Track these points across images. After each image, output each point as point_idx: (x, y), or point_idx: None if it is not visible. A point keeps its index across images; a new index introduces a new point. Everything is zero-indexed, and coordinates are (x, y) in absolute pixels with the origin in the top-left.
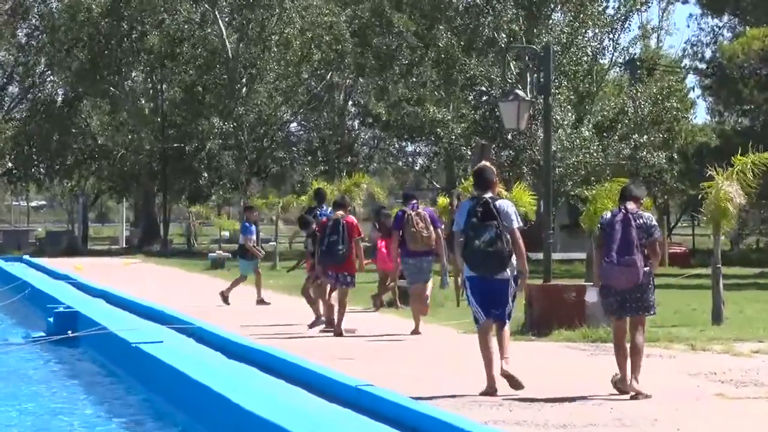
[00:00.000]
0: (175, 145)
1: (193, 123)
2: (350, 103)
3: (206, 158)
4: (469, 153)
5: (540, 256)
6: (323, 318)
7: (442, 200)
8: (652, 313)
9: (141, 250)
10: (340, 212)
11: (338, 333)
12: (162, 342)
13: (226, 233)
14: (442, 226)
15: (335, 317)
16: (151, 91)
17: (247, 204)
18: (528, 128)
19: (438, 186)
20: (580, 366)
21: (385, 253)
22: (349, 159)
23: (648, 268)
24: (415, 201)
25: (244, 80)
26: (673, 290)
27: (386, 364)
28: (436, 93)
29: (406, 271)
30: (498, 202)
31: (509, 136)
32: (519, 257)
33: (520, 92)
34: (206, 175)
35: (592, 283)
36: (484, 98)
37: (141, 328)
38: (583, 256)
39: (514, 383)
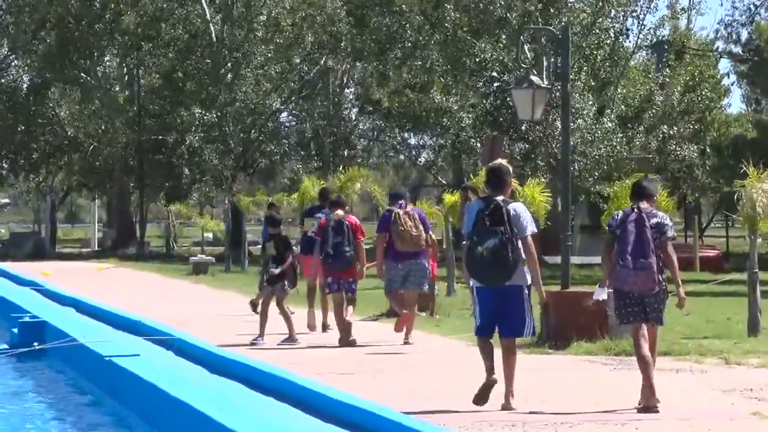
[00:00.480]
0: (152, 137)
1: (173, 113)
2: (347, 90)
3: (187, 152)
4: (479, 146)
5: (557, 260)
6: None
7: (449, 198)
8: (661, 324)
9: (115, 254)
10: (340, 212)
11: (348, 343)
12: (138, 355)
13: (209, 235)
14: (431, 232)
15: (332, 324)
16: (126, 78)
17: (270, 201)
18: (544, 118)
19: (444, 182)
20: (601, 382)
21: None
22: (345, 152)
23: (661, 274)
24: (402, 201)
25: (229, 65)
26: (705, 298)
27: (388, 378)
28: (442, 79)
29: (387, 275)
30: (510, 206)
31: (523, 127)
32: (531, 267)
33: (536, 78)
34: (187, 170)
35: (599, 284)
36: (496, 85)
37: (115, 339)
38: None
39: (482, 396)
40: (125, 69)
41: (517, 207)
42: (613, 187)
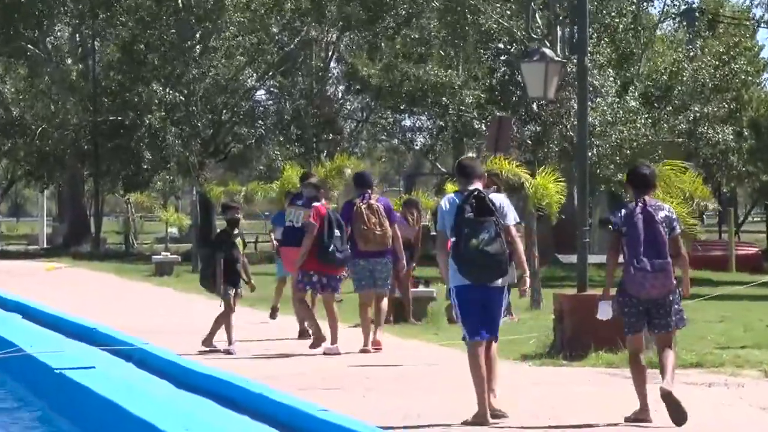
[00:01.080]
0: (109, 118)
1: (133, 90)
2: (332, 65)
3: (148, 135)
4: (484, 128)
5: (573, 259)
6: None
7: (451, 187)
8: (684, 324)
9: (67, 252)
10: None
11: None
12: (94, 368)
13: (174, 230)
14: (418, 226)
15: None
16: (79, 50)
17: (305, 172)
18: (558, 97)
19: (444, 170)
20: (623, 397)
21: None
22: (330, 136)
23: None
24: (368, 191)
25: (197, 36)
26: (743, 302)
27: (379, 394)
28: (441, 51)
29: (354, 274)
30: (492, 195)
31: (534, 107)
32: (518, 256)
33: (548, 51)
34: (148, 156)
35: (601, 296)
36: (503, 58)
37: (67, 350)
38: None
39: (498, 417)
40: (78, 40)
41: (497, 196)
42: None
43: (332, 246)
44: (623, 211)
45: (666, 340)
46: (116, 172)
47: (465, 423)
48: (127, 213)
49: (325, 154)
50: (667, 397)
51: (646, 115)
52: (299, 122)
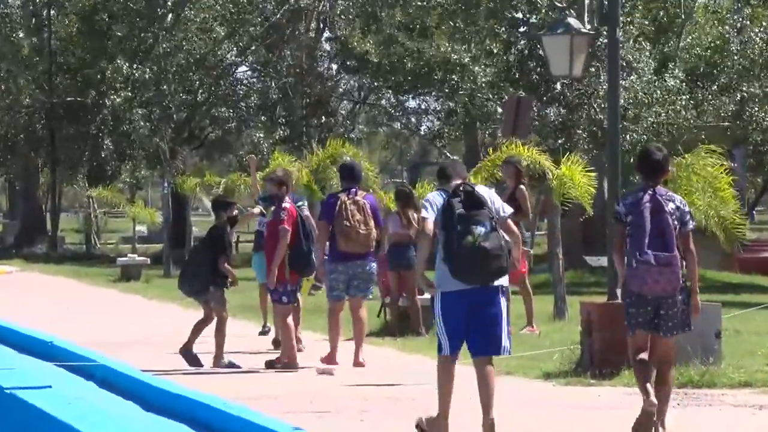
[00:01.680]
0: (68, 98)
1: (94, 67)
2: (324, 37)
3: (112, 118)
4: (500, 110)
5: (603, 261)
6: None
7: None
8: (689, 329)
9: (19, 253)
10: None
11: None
12: (50, 387)
13: (143, 228)
14: (386, 225)
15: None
16: (32, 21)
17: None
18: (586, 74)
19: (454, 158)
20: None
21: None
22: (323, 119)
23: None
24: (355, 185)
25: (168, 4)
26: None
27: (378, 419)
28: (450, 23)
29: (328, 279)
30: (479, 188)
31: (558, 86)
32: (515, 245)
33: (574, 22)
34: (111, 142)
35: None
36: (522, 30)
37: (19, 366)
38: None
39: None
40: (31, 9)
41: (483, 189)
42: (678, 165)
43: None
44: (629, 198)
45: (666, 350)
46: (76, 162)
47: (418, 423)
48: (89, 208)
49: (316, 140)
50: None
51: (687, 96)
52: (287, 103)
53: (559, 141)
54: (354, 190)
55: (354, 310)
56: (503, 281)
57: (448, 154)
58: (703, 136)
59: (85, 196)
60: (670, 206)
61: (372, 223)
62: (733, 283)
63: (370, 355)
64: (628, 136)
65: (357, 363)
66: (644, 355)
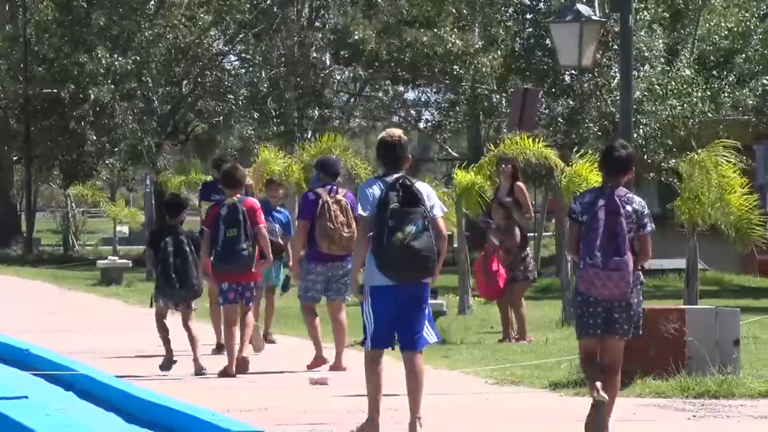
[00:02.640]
0: (44, 90)
1: (73, 57)
2: (317, 24)
3: (92, 112)
4: (505, 102)
5: None
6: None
7: (462, 176)
8: (640, 333)
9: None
10: (237, 194)
11: (235, 371)
12: (26, 397)
13: (124, 228)
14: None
15: (230, 346)
16: (6, 7)
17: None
18: (596, 64)
19: (455, 154)
20: None
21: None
22: (316, 112)
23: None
24: (335, 183)
25: None
26: None
27: None
28: (452, 9)
29: (304, 280)
30: (418, 184)
31: (567, 78)
32: (442, 249)
33: (584, 8)
34: (92, 137)
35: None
36: (528, 17)
37: None
38: (681, 264)
39: None
40: None
41: (423, 185)
42: (693, 162)
43: (217, 249)
44: (586, 197)
45: (614, 356)
46: (53, 158)
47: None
48: (67, 208)
49: (310, 135)
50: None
51: (704, 87)
52: (278, 95)
53: (569, 136)
54: (334, 187)
55: (334, 314)
56: (429, 280)
57: (449, 149)
58: (721, 131)
59: (62, 195)
60: (628, 209)
61: (354, 224)
62: (751, 286)
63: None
64: (641, 130)
65: (339, 367)
66: (596, 364)
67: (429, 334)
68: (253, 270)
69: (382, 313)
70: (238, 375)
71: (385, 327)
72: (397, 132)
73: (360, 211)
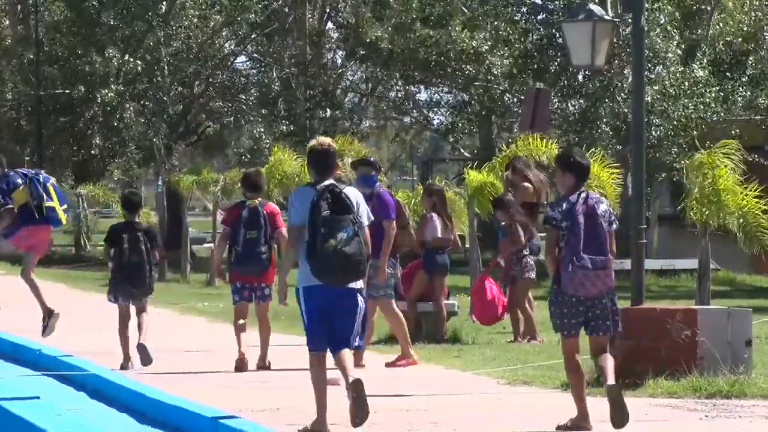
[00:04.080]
0: (55, 91)
1: (84, 57)
2: (330, 25)
3: (102, 112)
4: (517, 102)
5: (627, 264)
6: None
7: (474, 176)
8: (620, 328)
9: (5, 255)
10: (258, 197)
11: (264, 366)
12: (38, 398)
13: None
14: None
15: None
16: (18, 8)
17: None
18: (609, 65)
19: (467, 154)
20: None
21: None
22: (327, 112)
23: None
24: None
25: None
26: None
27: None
28: (464, 9)
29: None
30: (346, 190)
31: (579, 78)
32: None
33: (596, 8)
34: (99, 139)
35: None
36: (540, 17)
37: (6, 376)
38: (693, 264)
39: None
40: None
41: (351, 191)
42: (689, 163)
43: (237, 249)
44: (563, 204)
45: (602, 344)
46: (64, 158)
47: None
48: (78, 208)
49: (321, 135)
50: (614, 393)
51: (717, 87)
52: (289, 95)
53: (581, 135)
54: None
55: (386, 312)
56: (360, 284)
57: (461, 149)
58: (733, 131)
59: (73, 195)
60: (602, 208)
61: (402, 224)
62: (763, 287)
63: (380, 364)
64: (653, 131)
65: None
66: (579, 362)
67: (356, 335)
68: (269, 272)
69: (316, 313)
70: (238, 372)
71: (321, 329)
72: (327, 140)
73: (292, 220)
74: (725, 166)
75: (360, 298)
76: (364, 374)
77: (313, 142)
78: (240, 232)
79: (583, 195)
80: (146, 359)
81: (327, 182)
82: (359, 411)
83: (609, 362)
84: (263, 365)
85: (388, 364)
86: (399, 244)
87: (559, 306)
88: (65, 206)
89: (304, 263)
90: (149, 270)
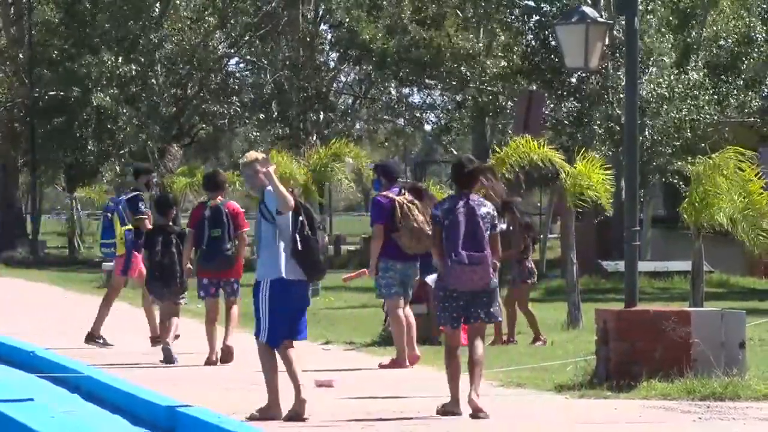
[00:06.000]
0: (49, 93)
1: (77, 60)
2: (323, 27)
3: (96, 115)
4: (511, 104)
5: (621, 266)
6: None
7: None
8: (499, 319)
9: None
10: (219, 197)
11: (221, 359)
12: (32, 400)
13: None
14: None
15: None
16: (11, 10)
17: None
18: (602, 67)
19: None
20: None
21: None
22: (321, 116)
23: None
24: (398, 186)
25: None
26: None
27: None
28: (458, 11)
29: (385, 279)
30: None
31: (573, 79)
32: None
33: (590, 10)
34: (93, 142)
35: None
36: (534, 19)
37: None
38: (686, 266)
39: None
40: None
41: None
42: (700, 164)
43: (203, 247)
44: (446, 204)
45: (479, 331)
46: (58, 161)
47: (251, 417)
48: (72, 210)
49: (315, 137)
50: (473, 404)
51: (712, 90)
52: (282, 98)
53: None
54: (402, 189)
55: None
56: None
57: (454, 151)
58: (726, 134)
59: (67, 198)
60: (483, 210)
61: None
62: (757, 289)
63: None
64: (647, 132)
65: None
66: (458, 354)
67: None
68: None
69: (280, 306)
70: (222, 363)
71: (283, 322)
72: (256, 154)
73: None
74: (750, 167)
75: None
76: (361, 374)
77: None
78: (204, 232)
79: (465, 198)
80: (169, 358)
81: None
82: (298, 409)
83: (478, 370)
84: (226, 353)
85: (381, 365)
86: (407, 246)
87: (442, 300)
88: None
89: (269, 254)
90: (180, 271)
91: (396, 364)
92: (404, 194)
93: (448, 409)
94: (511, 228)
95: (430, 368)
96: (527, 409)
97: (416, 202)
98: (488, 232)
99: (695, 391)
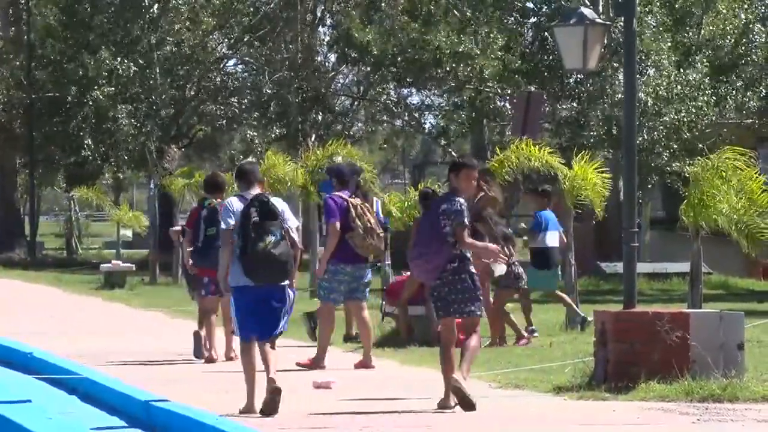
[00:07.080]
0: (47, 93)
1: (76, 60)
2: (321, 29)
3: (94, 115)
4: (509, 106)
5: (619, 267)
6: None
7: None
8: (478, 314)
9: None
10: (218, 198)
11: (210, 359)
12: (30, 401)
13: (128, 232)
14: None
15: (210, 340)
16: (10, 11)
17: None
18: (601, 68)
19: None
20: None
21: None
22: (320, 116)
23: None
24: (350, 189)
25: None
26: None
27: None
28: (455, 12)
29: (329, 282)
30: (273, 200)
31: (571, 81)
32: (297, 256)
33: (588, 11)
34: (90, 141)
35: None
36: (532, 20)
37: None
38: (685, 267)
39: (273, 406)
40: None
41: (278, 201)
42: (698, 166)
43: (197, 245)
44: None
45: (469, 327)
46: (56, 162)
47: (240, 412)
48: (70, 211)
49: (313, 138)
50: (454, 391)
51: (710, 91)
52: (281, 98)
53: (572, 139)
54: (356, 191)
55: (359, 313)
56: (286, 282)
57: (452, 152)
58: (724, 135)
59: (65, 199)
60: (443, 207)
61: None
62: (756, 290)
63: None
64: (646, 134)
65: (368, 365)
66: (451, 346)
67: (283, 325)
68: None
69: (243, 309)
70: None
71: (247, 320)
72: (250, 160)
73: (222, 225)
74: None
75: (289, 292)
76: (359, 375)
77: (243, 161)
78: (200, 230)
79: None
80: (197, 351)
81: (255, 192)
82: (268, 405)
83: (467, 354)
84: (230, 357)
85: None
86: (359, 246)
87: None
88: None
89: (237, 264)
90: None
91: (314, 363)
92: (356, 197)
93: (441, 405)
94: (486, 239)
95: (429, 369)
96: (525, 411)
97: (367, 204)
98: (448, 228)
99: (693, 392)
